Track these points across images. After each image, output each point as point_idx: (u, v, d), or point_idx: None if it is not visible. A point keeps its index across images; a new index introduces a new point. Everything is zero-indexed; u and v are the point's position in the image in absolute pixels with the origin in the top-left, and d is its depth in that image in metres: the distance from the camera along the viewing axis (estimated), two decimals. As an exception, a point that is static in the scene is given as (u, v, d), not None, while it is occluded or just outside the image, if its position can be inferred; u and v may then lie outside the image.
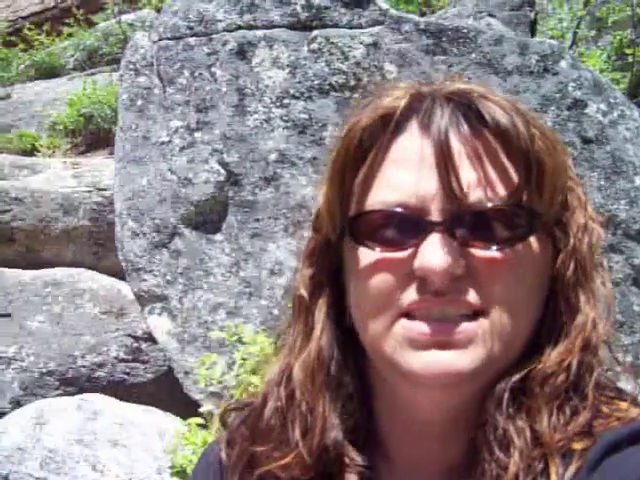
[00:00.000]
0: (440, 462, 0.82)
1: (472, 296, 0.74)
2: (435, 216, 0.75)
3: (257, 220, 3.63)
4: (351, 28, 3.66)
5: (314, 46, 3.64)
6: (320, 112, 3.64)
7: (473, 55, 3.57)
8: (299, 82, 3.64)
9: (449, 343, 0.74)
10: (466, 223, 0.75)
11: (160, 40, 3.78)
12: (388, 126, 0.79)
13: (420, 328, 0.75)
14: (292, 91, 3.64)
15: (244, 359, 2.83)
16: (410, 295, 0.76)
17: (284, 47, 3.66)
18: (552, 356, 0.76)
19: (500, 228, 0.75)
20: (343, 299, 0.85)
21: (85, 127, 6.91)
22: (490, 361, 0.75)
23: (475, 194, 0.74)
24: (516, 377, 0.76)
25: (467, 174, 0.74)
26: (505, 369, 0.77)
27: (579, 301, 0.78)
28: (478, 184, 0.74)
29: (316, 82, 3.63)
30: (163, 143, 3.71)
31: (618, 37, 9.23)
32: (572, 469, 0.71)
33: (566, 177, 0.81)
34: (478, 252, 0.75)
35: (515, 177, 0.76)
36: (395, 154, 0.79)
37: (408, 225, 0.76)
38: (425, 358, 0.74)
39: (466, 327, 0.74)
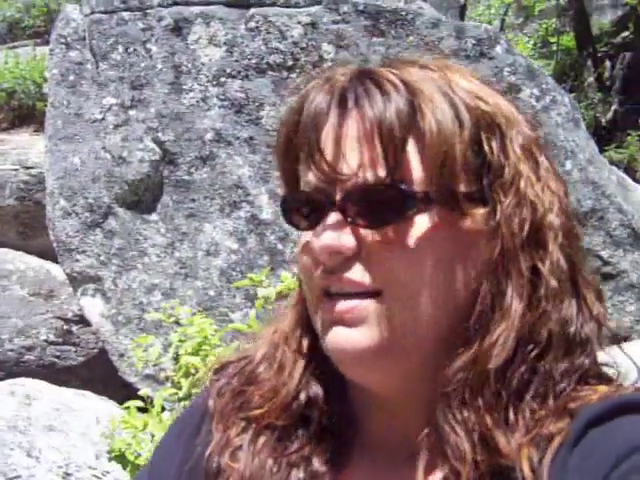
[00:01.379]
0: (393, 441, 0.83)
1: (364, 277, 0.76)
2: (334, 196, 0.77)
3: (193, 200, 3.58)
4: (289, 7, 3.63)
5: (252, 24, 3.59)
6: (257, 91, 3.60)
7: (411, 38, 3.59)
8: (236, 61, 3.60)
9: (349, 322, 0.76)
10: (354, 202, 0.76)
11: (92, 13, 3.67)
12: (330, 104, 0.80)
13: (325, 307, 0.77)
14: (229, 70, 3.60)
15: (182, 341, 2.79)
16: (319, 273, 0.78)
17: (221, 25, 3.61)
18: (497, 348, 0.75)
19: (391, 207, 0.76)
20: None
21: (7, 103, 6.65)
22: (393, 341, 0.76)
23: (363, 173, 0.75)
24: (457, 366, 0.75)
25: (363, 155, 0.76)
26: (440, 359, 0.76)
27: (502, 285, 0.77)
28: (375, 165, 0.75)
29: (253, 61, 3.60)
30: (96, 120, 3.61)
31: (544, 25, 9.46)
32: (550, 451, 0.70)
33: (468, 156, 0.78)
34: (367, 232, 0.76)
35: (414, 159, 0.76)
36: (325, 134, 0.80)
37: (318, 205, 0.79)
38: (333, 335, 0.77)
39: (357, 305, 0.76)
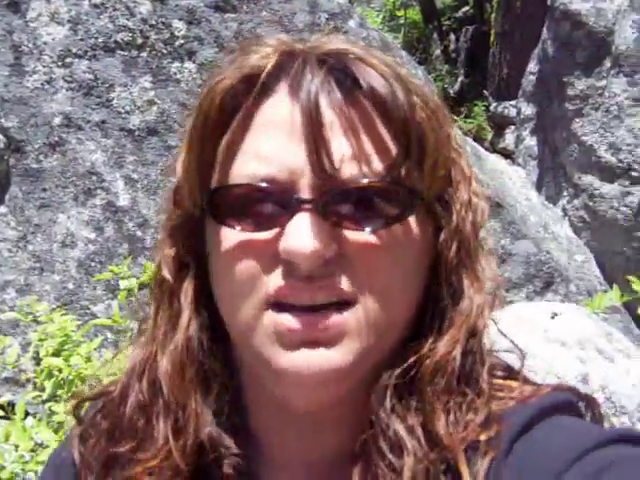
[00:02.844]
0: (323, 455, 0.76)
1: (344, 282, 0.68)
2: (304, 193, 0.67)
3: (44, 190, 3.37)
4: (135, -18, 3.47)
5: (96, 0, 3.41)
6: (106, 72, 3.43)
7: (264, 13, 3.52)
8: (82, 39, 3.40)
9: (320, 340, 0.67)
10: (337, 201, 0.68)
11: None
12: (254, 88, 0.71)
13: (289, 323, 0.67)
14: (74, 49, 3.39)
15: (42, 340, 2.63)
16: (276, 280, 0.68)
17: (63, 0, 3.39)
18: (438, 348, 0.71)
19: (375, 207, 0.68)
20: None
21: None
22: (365, 354, 0.69)
23: (348, 169, 0.67)
24: (398, 371, 0.70)
25: (339, 146, 0.67)
26: (386, 359, 0.71)
27: (463, 285, 0.73)
28: (352, 158, 0.67)
29: (100, 40, 3.41)
30: None
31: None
32: (486, 461, 0.67)
33: (449, 150, 0.75)
34: (351, 234, 0.68)
35: (393, 150, 0.69)
36: (262, 120, 0.70)
37: (275, 202, 0.68)
38: (295, 358, 0.67)
39: (337, 320, 0.67)
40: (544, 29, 4.61)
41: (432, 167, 0.71)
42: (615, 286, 3.24)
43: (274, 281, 0.68)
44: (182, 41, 3.46)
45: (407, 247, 0.70)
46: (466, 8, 10.61)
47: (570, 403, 0.74)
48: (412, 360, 0.71)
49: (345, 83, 0.69)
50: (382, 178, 0.68)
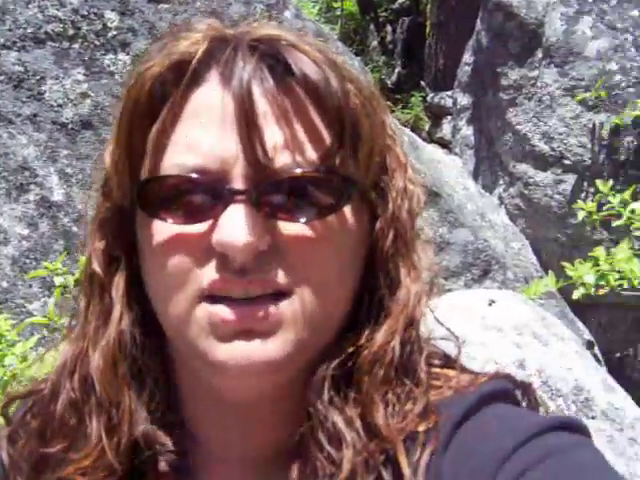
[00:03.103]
0: (261, 449, 0.75)
1: (279, 275, 0.67)
2: (237, 183, 0.66)
3: (-26, 186, 3.27)
4: (65, -29, 3.38)
5: (24, -10, 3.31)
6: (37, 64, 3.33)
7: (198, 4, 3.48)
8: (10, 30, 3.30)
9: (255, 331, 0.66)
10: (271, 192, 0.66)
11: None
12: (184, 75, 0.69)
13: (223, 314, 0.66)
14: (2, 40, 3.29)
15: (-26, 341, 2.56)
16: (210, 274, 0.67)
17: (-12, -10, 3.29)
18: (376, 338, 0.70)
19: (310, 197, 0.67)
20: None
21: None
22: (301, 345, 0.68)
23: (282, 158, 0.66)
24: (335, 363, 0.69)
25: (272, 135, 0.66)
26: (323, 351, 0.71)
27: (399, 274, 0.73)
28: (285, 147, 0.66)
29: (29, 30, 3.32)
30: None
31: (327, -9, 9.59)
32: (426, 452, 0.67)
33: (384, 137, 0.74)
34: (285, 225, 0.67)
35: (327, 138, 0.68)
36: (193, 109, 0.68)
37: (207, 193, 0.67)
38: (231, 349, 0.66)
39: (273, 311, 0.67)
40: (478, 20, 4.68)
41: (367, 155, 0.70)
42: (550, 272, 3.31)
43: (207, 274, 0.67)
44: (115, 32, 3.39)
45: (343, 237, 0.70)
46: (402, 0, 10.68)
47: (507, 391, 0.74)
48: (350, 351, 0.70)
49: (277, 70, 0.68)
50: (316, 167, 0.67)
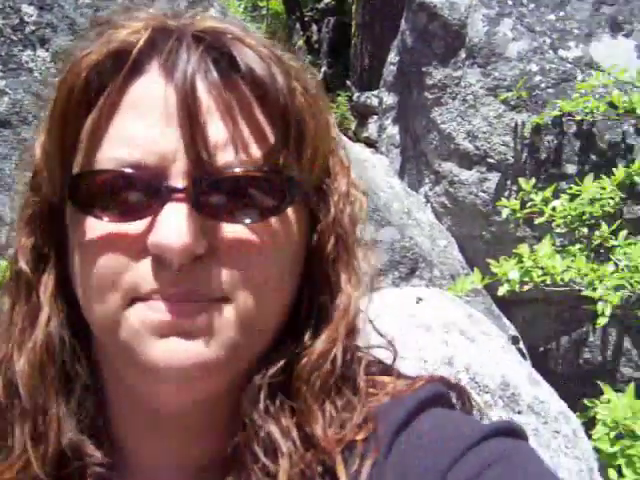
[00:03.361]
0: (194, 460, 0.72)
1: (217, 279, 0.64)
2: (176, 181, 0.63)
3: None
4: (-23, -37, 3.26)
5: None
6: (-52, 61, 3.21)
7: (120, 0, 3.40)
8: None
9: (191, 331, 0.63)
10: (212, 191, 0.64)
11: None
12: (123, 65, 0.65)
13: (159, 313, 0.63)
14: None
15: None
16: (144, 275, 0.64)
17: None
18: (316, 346, 0.68)
19: (252, 198, 0.65)
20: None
21: None
22: (238, 349, 0.66)
23: (224, 156, 0.63)
24: (272, 370, 0.67)
25: (215, 131, 0.63)
26: (260, 357, 0.69)
27: (340, 280, 0.71)
28: (228, 144, 0.63)
29: (-59, 25, 3.18)
30: None
31: (253, -12, 9.54)
32: (367, 462, 0.65)
33: (329, 139, 0.72)
34: (225, 227, 0.64)
35: (271, 137, 0.66)
36: (132, 101, 0.65)
37: (144, 190, 0.63)
38: (165, 348, 0.63)
39: (209, 314, 0.64)
40: (403, 20, 4.71)
41: (311, 156, 0.68)
42: (476, 269, 3.36)
43: (142, 275, 0.64)
44: (33, 27, 3.28)
45: (283, 240, 0.67)
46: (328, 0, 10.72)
47: (442, 395, 0.74)
48: (288, 359, 0.69)
49: (222, 64, 0.65)
50: (259, 167, 0.64)
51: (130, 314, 0.64)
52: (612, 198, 3.40)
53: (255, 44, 0.67)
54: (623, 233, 3.34)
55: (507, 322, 3.73)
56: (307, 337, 0.69)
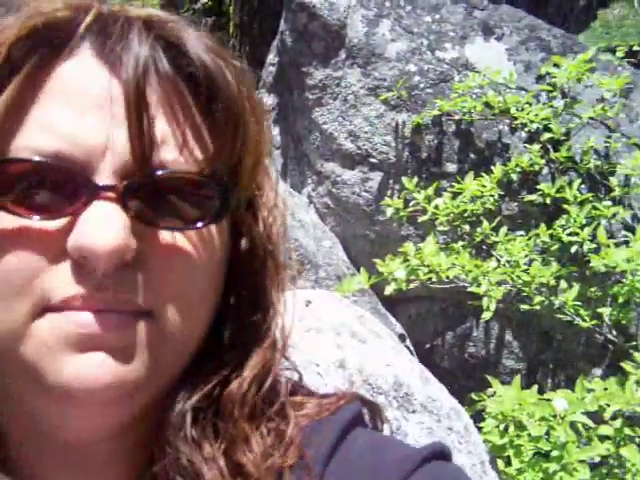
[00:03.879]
0: None
1: (143, 291, 0.57)
2: (104, 177, 0.55)
3: None
4: None
5: None
6: None
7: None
8: None
9: (115, 347, 0.56)
10: (143, 192, 0.57)
11: None
12: (46, 45, 0.57)
13: (78, 325, 0.55)
14: None
15: None
16: (59, 282, 0.55)
17: None
18: (246, 371, 0.63)
19: (189, 204, 0.59)
20: None
21: None
22: (160, 370, 0.59)
23: (161, 154, 0.57)
24: (198, 395, 0.61)
25: (155, 127, 0.56)
26: (180, 378, 0.62)
27: (270, 296, 0.68)
28: (167, 143, 0.57)
29: None
30: None
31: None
32: None
33: (267, 148, 0.67)
34: (157, 233, 0.58)
35: (216, 140, 0.60)
36: (57, 86, 0.57)
37: (65, 185, 0.56)
38: (83, 364, 0.55)
39: (131, 329, 0.57)
40: (282, 20, 4.68)
41: (252, 165, 0.63)
42: (363, 269, 3.37)
43: (57, 282, 0.55)
44: None
45: (212, 252, 0.61)
46: (205, 0, 10.58)
47: (360, 414, 0.71)
48: (215, 382, 0.63)
49: (172, 55, 0.59)
50: (199, 171, 0.58)
51: (40, 325, 0.56)
52: (492, 195, 3.49)
53: (205, 38, 0.61)
54: (503, 229, 3.44)
55: (393, 320, 3.77)
56: (234, 358, 0.64)
